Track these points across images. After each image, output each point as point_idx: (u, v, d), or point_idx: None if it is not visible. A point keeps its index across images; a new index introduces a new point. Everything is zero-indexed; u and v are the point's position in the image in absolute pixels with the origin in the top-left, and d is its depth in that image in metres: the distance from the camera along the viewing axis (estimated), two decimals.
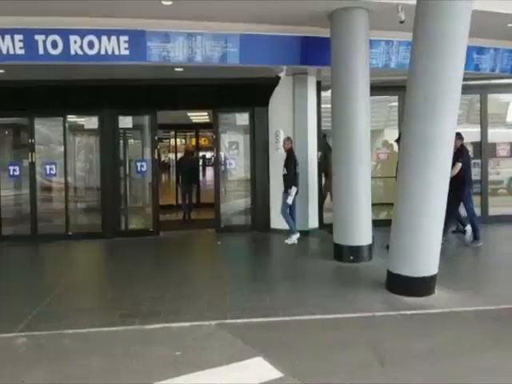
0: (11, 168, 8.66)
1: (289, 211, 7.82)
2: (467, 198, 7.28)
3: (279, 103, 8.71)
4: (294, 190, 7.65)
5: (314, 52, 7.32)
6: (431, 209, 4.85)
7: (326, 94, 8.88)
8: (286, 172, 7.77)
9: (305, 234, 8.23)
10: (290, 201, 7.67)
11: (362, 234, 6.42)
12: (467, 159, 7.33)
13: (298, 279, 5.80)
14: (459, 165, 7.02)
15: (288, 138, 7.96)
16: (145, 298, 5.06)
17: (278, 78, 8.23)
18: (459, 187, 6.96)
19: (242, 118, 9.11)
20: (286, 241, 7.75)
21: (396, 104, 9.32)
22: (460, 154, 7.04)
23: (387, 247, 5.44)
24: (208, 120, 11.73)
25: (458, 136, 7.11)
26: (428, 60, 4.73)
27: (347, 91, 6.39)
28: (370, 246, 6.51)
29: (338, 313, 4.50)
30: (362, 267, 6.23)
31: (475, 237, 7.38)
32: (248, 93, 8.50)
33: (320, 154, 8.86)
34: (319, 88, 8.91)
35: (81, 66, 6.89)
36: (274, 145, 8.63)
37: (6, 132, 9.35)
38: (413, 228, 4.90)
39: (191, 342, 3.88)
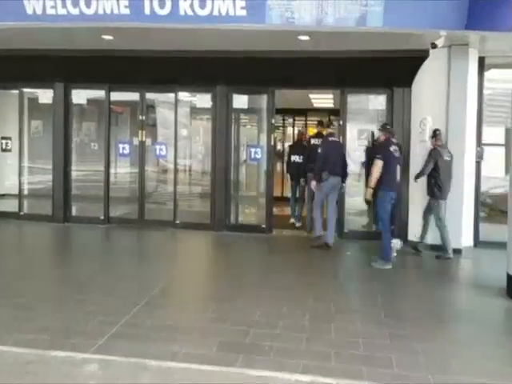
0: (120, 146, 8.17)
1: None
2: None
3: (426, 84, 6.88)
4: None
5: (488, 13, 5.48)
6: None
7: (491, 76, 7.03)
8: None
9: (457, 252, 6.45)
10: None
11: None
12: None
13: (457, 323, 4.22)
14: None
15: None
16: (252, 321, 3.97)
17: (426, 51, 6.51)
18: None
19: (377, 101, 7.51)
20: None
21: None
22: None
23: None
24: (333, 105, 10.28)
25: (383, 128, 6.22)
26: None
27: None
28: None
29: None
30: None
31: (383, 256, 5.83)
32: (386, 69, 6.89)
33: (479, 149, 6.97)
34: (482, 66, 6.97)
35: (193, 33, 6.09)
36: (418, 135, 6.88)
37: (123, 111, 8.94)
38: None
39: None
